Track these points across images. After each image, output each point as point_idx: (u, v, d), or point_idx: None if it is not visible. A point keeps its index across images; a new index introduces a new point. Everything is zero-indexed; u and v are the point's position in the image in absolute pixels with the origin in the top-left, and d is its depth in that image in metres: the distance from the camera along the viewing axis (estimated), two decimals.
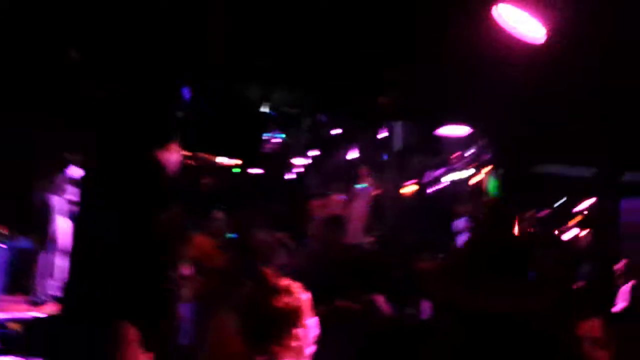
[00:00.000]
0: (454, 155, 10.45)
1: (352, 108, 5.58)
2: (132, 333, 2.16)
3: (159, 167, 4.36)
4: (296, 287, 2.16)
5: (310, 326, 2.12)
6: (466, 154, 9.95)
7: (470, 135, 6.76)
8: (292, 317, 2.08)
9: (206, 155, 12.18)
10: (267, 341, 2.08)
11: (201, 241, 6.67)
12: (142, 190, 3.95)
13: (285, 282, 2.17)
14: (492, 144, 6.26)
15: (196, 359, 3.32)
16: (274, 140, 9.86)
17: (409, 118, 5.47)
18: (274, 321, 2.08)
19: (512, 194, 6.11)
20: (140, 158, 4.08)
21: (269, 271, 2.25)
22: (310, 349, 2.09)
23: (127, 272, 3.06)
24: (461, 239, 10.75)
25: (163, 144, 4.74)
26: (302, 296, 2.14)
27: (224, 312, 3.44)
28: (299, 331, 2.07)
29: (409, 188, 12.37)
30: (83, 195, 3.94)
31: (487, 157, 8.39)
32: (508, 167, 5.93)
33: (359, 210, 9.54)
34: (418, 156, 9.21)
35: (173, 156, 5.08)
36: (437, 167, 10.24)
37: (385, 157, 9.31)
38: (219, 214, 7.17)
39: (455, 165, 11.59)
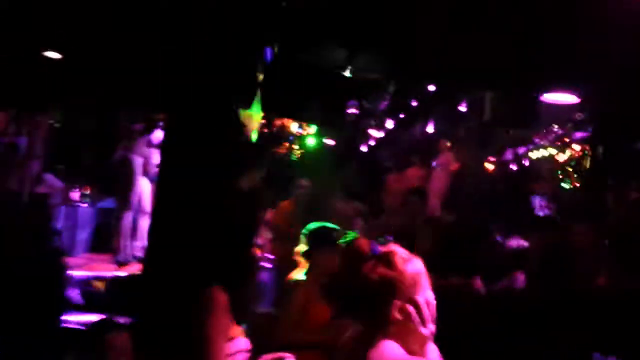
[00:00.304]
0: (543, 131, 9.92)
1: (438, 75, 5.29)
2: (221, 298, 2.03)
3: (241, 128, 4.28)
4: (402, 257, 1.88)
5: (424, 302, 1.82)
6: (555, 130, 9.41)
7: (567, 110, 6.29)
8: (388, 289, 1.82)
9: (283, 122, 12.19)
10: (361, 313, 1.87)
11: (285, 207, 6.64)
12: (224, 151, 3.87)
13: (386, 250, 1.91)
14: (593, 119, 5.80)
15: (276, 325, 3.21)
16: (351, 110, 9.63)
17: (502, 86, 5.13)
18: (366, 292, 1.84)
19: (613, 172, 5.66)
20: (223, 118, 3.99)
21: (363, 240, 2.05)
22: (429, 328, 1.82)
23: (208, 235, 2.98)
24: (538, 219, 10.34)
25: (245, 105, 4.66)
26: (409, 268, 1.86)
27: (305, 279, 3.34)
28: (402, 305, 1.81)
29: (491, 164, 11.91)
30: (164, 156, 3.89)
31: (581, 134, 7.89)
32: (610, 143, 5.48)
33: (437, 184, 9.24)
34: (507, 129, 8.74)
35: (254, 118, 5.01)
36: (522, 143, 9.74)
37: (467, 130, 8.91)
38: (304, 182, 7.13)
39: (540, 142, 11.02)
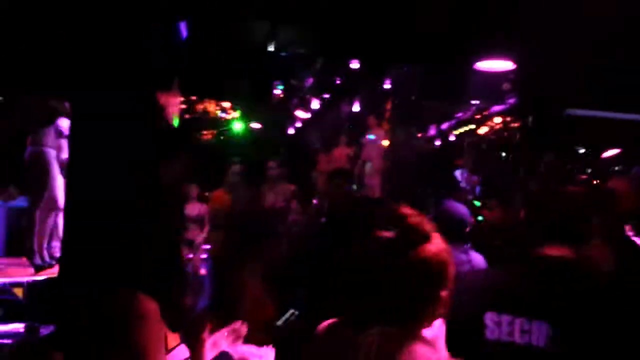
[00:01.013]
0: (465, 107, 10.04)
1: (364, 49, 5.12)
2: (149, 306, 1.75)
3: (159, 112, 3.93)
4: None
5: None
6: (474, 104, 9.53)
7: (494, 82, 6.29)
8: (442, 274, 1.47)
9: (205, 106, 11.75)
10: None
11: (219, 196, 6.31)
12: (141, 139, 3.52)
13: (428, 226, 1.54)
14: (523, 87, 5.82)
15: (214, 320, 2.94)
16: (276, 91, 9.36)
17: (430, 59, 5.03)
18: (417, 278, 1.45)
19: (544, 140, 5.71)
20: (138, 103, 3.64)
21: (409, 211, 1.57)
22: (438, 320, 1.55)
23: (127, 230, 2.69)
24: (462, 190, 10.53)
25: (162, 87, 4.30)
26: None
27: (248, 271, 3.07)
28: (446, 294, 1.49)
29: (417, 140, 11.98)
30: (73, 147, 3.50)
31: (499, 107, 7.99)
32: (541, 111, 5.50)
33: (372, 161, 9.14)
34: (435, 103, 8.74)
35: (173, 101, 4.65)
36: (445, 119, 9.83)
37: (395, 106, 8.84)
38: (236, 168, 6.76)
39: (462, 117, 11.18)
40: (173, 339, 1.89)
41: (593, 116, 5.48)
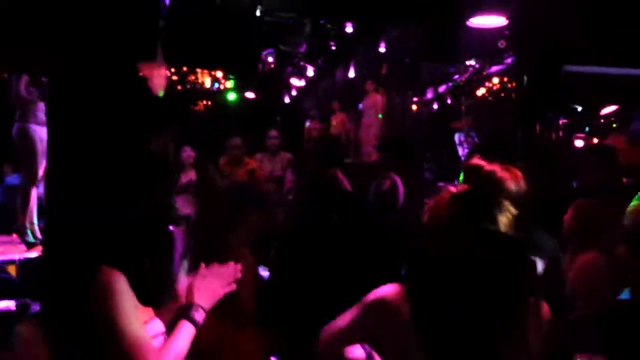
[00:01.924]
0: (462, 68, 9.84)
1: (355, 10, 4.95)
2: (117, 279, 1.68)
3: (141, 83, 3.81)
4: None
5: None
6: (472, 65, 9.33)
7: (489, 41, 6.11)
8: None
9: (197, 77, 11.55)
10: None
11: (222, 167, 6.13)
12: (125, 111, 3.41)
13: None
14: (519, 44, 5.65)
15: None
16: (268, 59, 9.17)
17: (422, 18, 4.87)
18: None
19: (540, 98, 5.56)
20: (119, 72, 3.51)
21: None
22: None
23: (111, 208, 2.60)
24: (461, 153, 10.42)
25: (146, 57, 4.17)
26: None
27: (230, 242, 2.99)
28: None
29: (414, 104, 11.83)
30: (52, 121, 3.39)
31: (497, 67, 7.80)
32: (537, 69, 5.35)
33: (368, 129, 9.02)
34: (430, 65, 8.56)
35: (158, 72, 4.52)
36: (442, 81, 9.64)
37: (390, 70, 8.67)
38: (237, 140, 6.67)
39: (459, 79, 11.00)
40: (146, 313, 1.82)
41: (590, 72, 5.34)
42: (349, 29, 8.90)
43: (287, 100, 13.89)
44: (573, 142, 6.54)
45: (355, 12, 5.24)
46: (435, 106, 12.54)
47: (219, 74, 10.14)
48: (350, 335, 1.50)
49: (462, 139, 11.14)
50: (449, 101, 12.84)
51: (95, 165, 2.83)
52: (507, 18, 3.79)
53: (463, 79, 11.22)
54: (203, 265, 2.02)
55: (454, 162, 9.09)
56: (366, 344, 1.56)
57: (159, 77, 4.61)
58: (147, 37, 4.21)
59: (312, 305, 2.77)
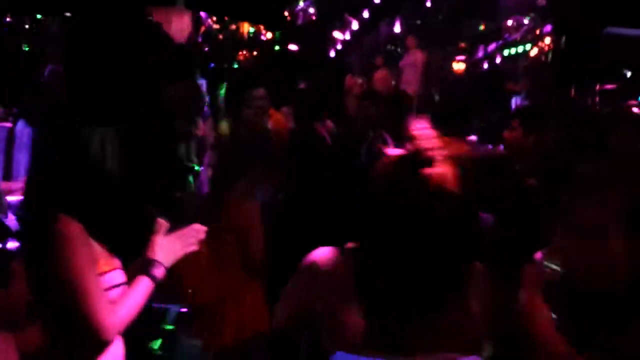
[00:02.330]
0: (510, 24, 9.37)
1: None
2: (72, 227, 1.67)
3: (155, 29, 3.77)
4: None
5: None
6: (523, 22, 8.87)
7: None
8: None
9: (238, 26, 11.45)
10: None
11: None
12: (139, 56, 3.38)
13: None
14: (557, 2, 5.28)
15: None
16: (309, 10, 8.97)
17: None
18: None
19: (579, 63, 5.21)
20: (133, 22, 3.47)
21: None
22: None
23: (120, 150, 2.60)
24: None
25: (161, 2, 4.11)
26: None
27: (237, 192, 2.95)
28: None
29: (459, 64, 11.40)
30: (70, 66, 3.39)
31: (546, 26, 7.36)
32: (573, 32, 5.00)
33: (406, 86, 8.78)
34: (468, 21, 8.19)
35: (178, 19, 4.47)
36: (490, 39, 9.22)
37: (430, 26, 8.34)
38: (260, 91, 6.55)
39: (511, 37, 10.49)
40: (107, 263, 1.82)
41: (633, 35, 4.95)
42: None
43: (332, 54, 13.66)
44: (630, 110, 6.13)
45: None
46: (486, 65, 12.08)
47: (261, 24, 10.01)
48: (290, 305, 1.45)
49: (519, 102, 10.69)
50: (498, 60, 12.33)
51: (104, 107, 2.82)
52: None
53: (517, 37, 10.71)
54: (165, 223, 1.99)
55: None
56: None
57: (181, 24, 4.56)
58: None
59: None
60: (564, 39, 5.46)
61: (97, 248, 1.80)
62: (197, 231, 2.06)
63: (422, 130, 1.37)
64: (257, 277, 2.85)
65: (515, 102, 10.87)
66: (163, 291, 2.00)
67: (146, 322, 2.10)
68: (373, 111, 5.25)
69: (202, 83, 9.55)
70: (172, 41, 3.83)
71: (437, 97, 8.43)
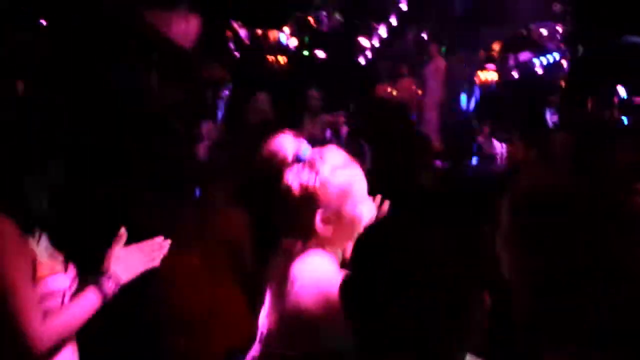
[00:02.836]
0: (543, 32, 9.08)
1: None
2: (6, 227, 1.60)
3: (152, 33, 3.70)
4: (330, 164, 1.67)
5: (351, 215, 1.66)
6: (553, 28, 8.57)
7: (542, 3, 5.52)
8: (309, 199, 1.61)
9: (269, 33, 11.41)
10: (283, 222, 1.72)
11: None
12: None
13: (312, 155, 1.68)
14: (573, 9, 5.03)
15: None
16: (334, 18, 8.87)
17: None
18: (286, 201, 1.64)
19: (597, 73, 4.94)
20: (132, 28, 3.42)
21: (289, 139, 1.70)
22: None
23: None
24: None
25: (162, 5, 4.05)
26: (338, 177, 1.65)
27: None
28: (326, 217, 1.66)
29: (489, 74, 11.12)
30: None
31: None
32: (592, 36, 4.75)
33: (431, 95, 8.61)
34: (485, 27, 7.96)
35: (178, 22, 4.39)
36: (519, 47, 8.96)
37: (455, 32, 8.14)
38: (315, 93, 6.82)
39: (543, 45, 10.19)
40: (48, 267, 1.73)
41: None
42: None
43: (361, 61, 13.54)
44: None
45: None
46: (515, 75, 11.76)
47: (286, 29, 9.95)
48: None
49: (551, 116, 10.38)
50: (538, 70, 11.98)
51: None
52: None
53: (551, 45, 10.38)
54: (124, 233, 1.90)
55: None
56: None
57: (184, 28, 4.48)
58: None
59: None
60: (581, 46, 5.21)
61: (40, 249, 1.71)
62: (160, 245, 1.98)
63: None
64: (247, 287, 2.79)
65: (549, 114, 10.56)
66: None
67: None
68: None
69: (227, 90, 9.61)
70: (171, 44, 3.77)
71: (460, 106, 8.23)
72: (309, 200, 1.59)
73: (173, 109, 3.37)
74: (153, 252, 1.95)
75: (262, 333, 1.69)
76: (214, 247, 2.77)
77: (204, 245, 2.58)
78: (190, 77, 3.88)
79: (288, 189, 1.61)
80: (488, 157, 6.36)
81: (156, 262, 1.93)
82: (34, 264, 1.67)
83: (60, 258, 1.80)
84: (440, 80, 8.56)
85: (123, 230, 1.89)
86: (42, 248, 1.74)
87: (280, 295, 1.59)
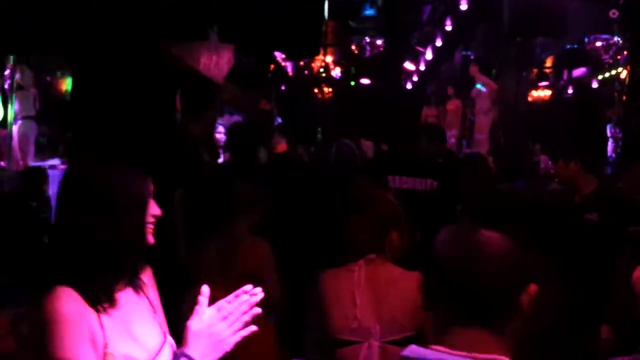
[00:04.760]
0: (599, 45, 8.61)
1: None
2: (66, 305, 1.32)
3: (176, 64, 3.59)
4: None
5: None
6: (614, 41, 8.09)
7: (596, 11, 5.12)
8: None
9: (312, 64, 11.37)
10: None
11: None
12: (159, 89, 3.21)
13: None
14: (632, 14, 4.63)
15: None
16: (377, 43, 8.70)
17: None
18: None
19: None
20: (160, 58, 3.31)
21: None
22: None
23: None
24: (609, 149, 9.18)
25: (191, 37, 3.94)
26: None
27: None
28: None
29: (542, 92, 10.69)
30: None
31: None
32: None
33: (478, 117, 8.26)
34: (535, 40, 7.53)
35: (209, 54, 4.29)
36: (574, 62, 8.52)
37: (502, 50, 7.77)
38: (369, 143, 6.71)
39: (599, 60, 9.68)
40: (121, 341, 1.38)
41: None
42: (463, 5, 8.17)
43: (408, 85, 13.32)
44: None
45: None
46: (570, 91, 11.24)
47: (328, 58, 9.86)
48: None
49: (612, 131, 9.80)
50: (594, 85, 11.42)
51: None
52: None
53: (607, 59, 9.86)
54: (206, 291, 1.39)
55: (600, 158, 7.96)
56: None
57: (216, 60, 4.37)
58: (202, 17, 4.00)
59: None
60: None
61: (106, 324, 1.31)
62: (249, 304, 1.41)
63: None
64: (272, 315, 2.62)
65: (610, 130, 9.98)
66: None
67: None
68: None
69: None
70: (198, 77, 3.65)
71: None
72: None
73: (199, 142, 3.22)
74: (242, 314, 1.41)
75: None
76: (237, 279, 2.60)
77: (227, 278, 2.38)
78: (215, 108, 3.74)
79: None
80: (542, 176, 5.97)
81: (248, 332, 1.41)
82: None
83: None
84: (487, 102, 8.18)
85: (205, 290, 1.41)
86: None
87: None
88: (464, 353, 1.04)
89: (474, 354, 1.04)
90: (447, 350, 1.05)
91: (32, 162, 6.81)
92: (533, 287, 1.07)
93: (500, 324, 1.05)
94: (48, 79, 8.01)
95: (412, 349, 1.08)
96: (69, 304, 1.27)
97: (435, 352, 1.06)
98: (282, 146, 4.34)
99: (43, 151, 7.31)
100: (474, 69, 7.93)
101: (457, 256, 1.07)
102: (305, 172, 3.54)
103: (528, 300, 1.05)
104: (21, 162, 6.71)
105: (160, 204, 1.48)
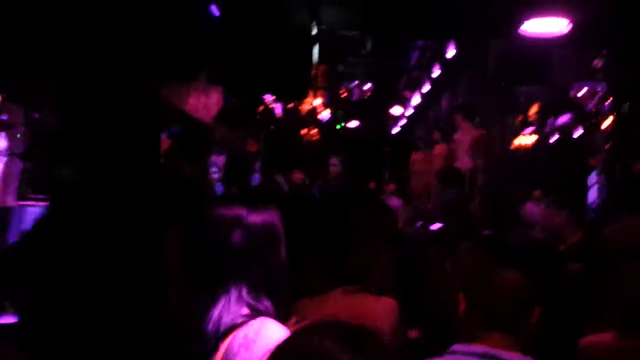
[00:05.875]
0: (583, 92, 8.76)
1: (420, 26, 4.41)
2: None
3: (164, 105, 3.59)
4: None
5: None
6: (599, 90, 8.23)
7: (578, 60, 5.22)
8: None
9: (301, 107, 11.44)
10: None
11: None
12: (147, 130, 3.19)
13: None
14: (614, 61, 4.72)
15: None
16: (364, 87, 8.81)
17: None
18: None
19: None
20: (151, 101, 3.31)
21: None
22: None
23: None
24: (592, 196, 9.23)
25: (181, 78, 3.96)
26: None
27: None
28: None
29: (526, 138, 10.80)
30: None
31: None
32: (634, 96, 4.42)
33: (461, 165, 8.29)
34: (519, 87, 7.66)
35: (197, 95, 4.32)
36: (558, 109, 8.63)
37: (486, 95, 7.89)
38: (334, 160, 7.04)
39: (585, 106, 9.84)
40: None
41: None
42: (450, 52, 8.33)
43: (396, 129, 13.46)
44: None
45: (420, 27, 4.72)
46: (554, 138, 11.38)
47: (317, 101, 9.93)
48: None
49: (596, 178, 9.85)
50: (578, 132, 11.57)
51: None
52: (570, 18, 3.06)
53: (591, 107, 10.02)
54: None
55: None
56: None
57: (203, 101, 4.39)
58: (192, 57, 4.02)
59: None
60: (626, 105, 4.84)
61: None
62: None
63: None
64: None
65: (594, 177, 10.05)
66: None
67: None
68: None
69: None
70: (187, 118, 3.65)
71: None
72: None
73: (192, 182, 3.21)
74: None
75: None
76: None
77: None
78: (207, 149, 3.74)
79: None
80: (527, 224, 5.99)
81: None
82: None
83: None
84: (467, 150, 8.22)
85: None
86: None
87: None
88: (500, 351, 1.50)
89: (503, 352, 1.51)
90: (486, 347, 1.49)
91: (13, 202, 6.72)
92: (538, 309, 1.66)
93: (517, 331, 1.60)
94: (36, 115, 7.99)
95: (457, 347, 1.54)
96: None
97: (480, 347, 1.51)
98: None
99: (27, 187, 7.21)
100: (458, 118, 7.96)
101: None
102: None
103: (535, 317, 1.64)
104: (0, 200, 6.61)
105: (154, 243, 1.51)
